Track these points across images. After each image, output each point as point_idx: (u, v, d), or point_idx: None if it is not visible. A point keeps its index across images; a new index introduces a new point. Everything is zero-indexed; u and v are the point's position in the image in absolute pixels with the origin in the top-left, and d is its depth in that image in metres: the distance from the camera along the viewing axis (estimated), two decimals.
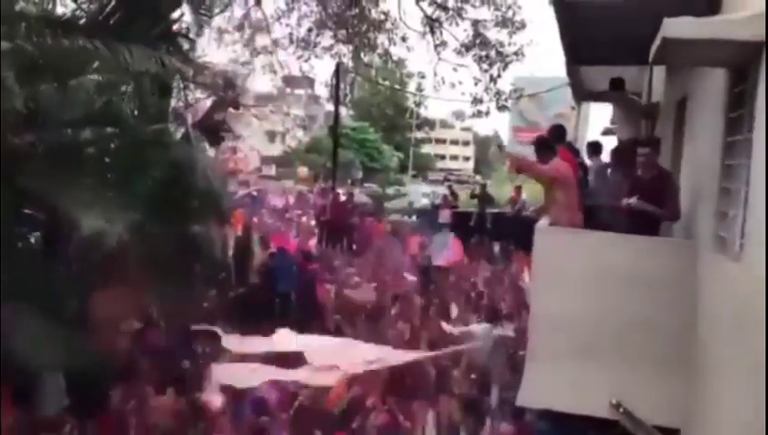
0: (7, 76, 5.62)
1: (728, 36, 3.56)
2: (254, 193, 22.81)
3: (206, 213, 6.98)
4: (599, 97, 9.72)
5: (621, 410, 4.63)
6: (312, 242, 15.75)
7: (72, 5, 7.06)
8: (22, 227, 6.20)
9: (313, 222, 17.97)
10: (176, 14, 7.05)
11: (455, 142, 72.68)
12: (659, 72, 7.86)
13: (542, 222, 5.78)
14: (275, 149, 49.90)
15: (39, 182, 5.59)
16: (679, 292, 4.70)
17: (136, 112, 6.41)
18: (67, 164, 5.89)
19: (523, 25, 17.32)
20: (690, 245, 4.84)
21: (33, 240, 6.47)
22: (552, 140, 6.19)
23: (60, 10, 6.90)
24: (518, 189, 18.85)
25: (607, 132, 12.86)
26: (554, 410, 5.08)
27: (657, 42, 3.82)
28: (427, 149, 67.22)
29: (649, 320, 4.78)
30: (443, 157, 69.88)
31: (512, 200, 18.57)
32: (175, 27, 7.02)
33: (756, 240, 3.34)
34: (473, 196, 18.97)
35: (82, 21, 6.62)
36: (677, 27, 3.64)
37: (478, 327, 8.14)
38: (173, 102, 7.38)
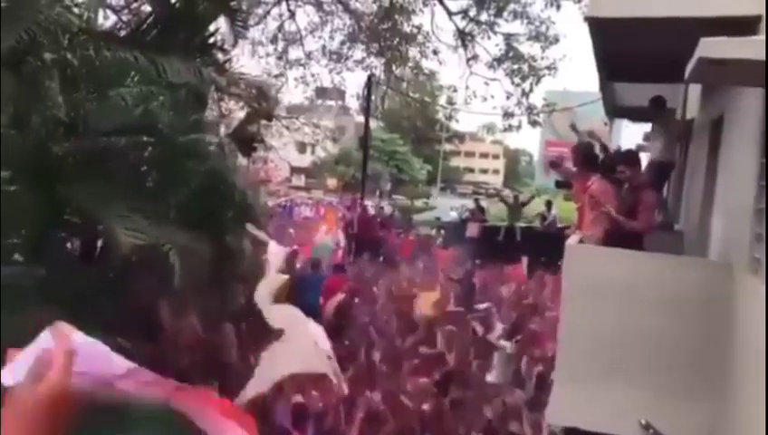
0: (51, 86, 5.81)
1: (764, 57, 3.53)
2: (284, 203, 22.98)
3: (241, 223, 7.06)
4: (637, 114, 9.63)
5: (651, 431, 4.56)
6: (340, 254, 15.82)
7: (114, 18, 7.24)
8: (61, 233, 6.34)
9: (341, 234, 18.08)
10: (212, 27, 7.18)
11: (484, 156, 72.49)
12: (694, 90, 7.77)
13: (573, 239, 5.75)
14: (305, 160, 50.28)
15: (78, 191, 5.74)
16: (713, 313, 4.64)
17: (172, 122, 6.53)
18: (106, 173, 6.04)
19: (556, 40, 17.33)
20: (725, 266, 4.77)
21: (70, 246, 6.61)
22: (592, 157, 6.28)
23: (101, 22, 7.08)
24: (549, 204, 18.73)
25: (639, 149, 12.74)
26: (582, 428, 5.02)
27: (692, 61, 3.80)
28: (456, 162, 67.20)
29: (681, 341, 4.72)
30: (472, 170, 69.74)
31: (541, 215, 18.47)
32: (211, 40, 7.15)
33: None
34: (504, 202, 18.97)
35: (123, 33, 6.81)
36: (714, 47, 3.62)
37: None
38: (208, 113, 7.50)
